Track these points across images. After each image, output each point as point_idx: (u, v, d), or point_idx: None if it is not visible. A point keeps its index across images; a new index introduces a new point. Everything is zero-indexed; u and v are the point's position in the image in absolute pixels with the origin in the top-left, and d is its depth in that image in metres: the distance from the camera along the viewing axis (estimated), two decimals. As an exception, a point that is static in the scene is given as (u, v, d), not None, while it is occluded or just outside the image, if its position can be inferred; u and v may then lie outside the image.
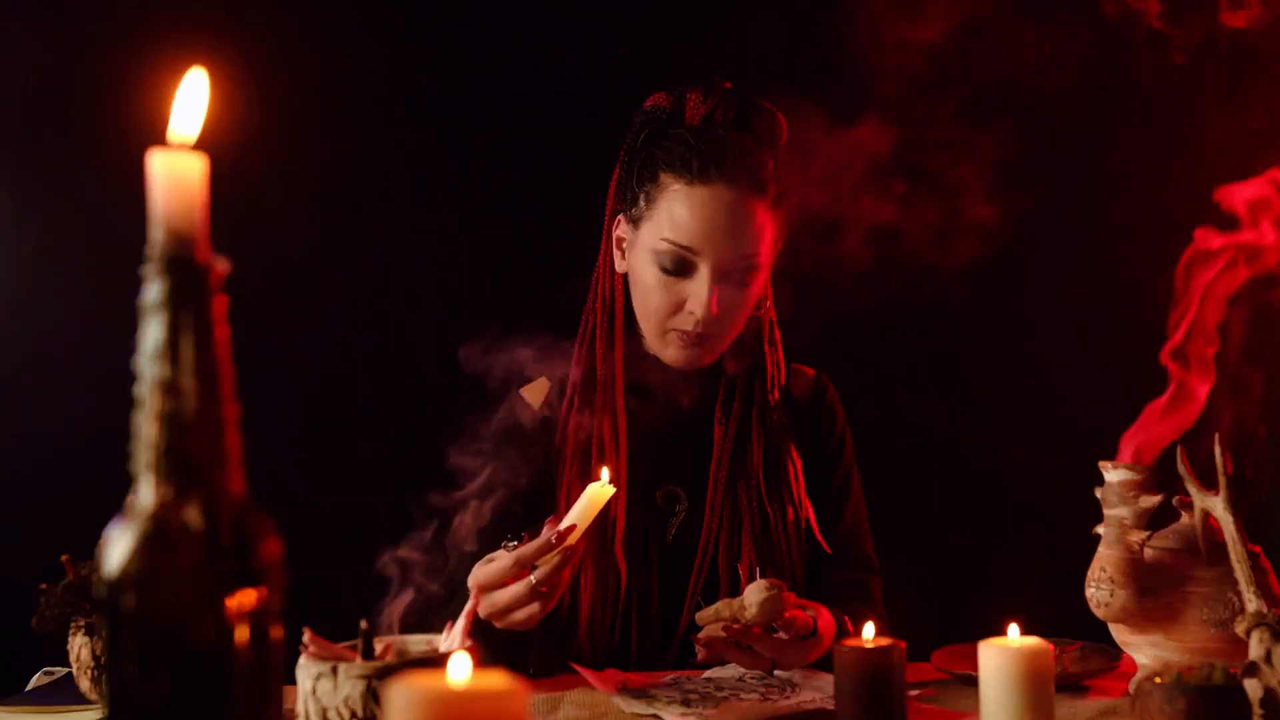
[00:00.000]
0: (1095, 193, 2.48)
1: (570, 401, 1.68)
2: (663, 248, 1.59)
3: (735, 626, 1.43)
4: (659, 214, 1.60)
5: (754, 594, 1.41)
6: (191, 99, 0.71)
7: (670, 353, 1.66)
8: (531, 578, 1.40)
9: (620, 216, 1.68)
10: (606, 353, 1.68)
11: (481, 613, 1.42)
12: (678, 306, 1.61)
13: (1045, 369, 2.49)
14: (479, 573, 1.42)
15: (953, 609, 1.87)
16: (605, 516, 1.58)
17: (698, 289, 1.59)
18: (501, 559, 1.41)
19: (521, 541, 1.43)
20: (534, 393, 1.74)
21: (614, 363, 1.67)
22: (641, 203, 1.63)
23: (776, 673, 1.49)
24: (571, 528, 1.41)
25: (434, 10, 2.52)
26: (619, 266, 1.69)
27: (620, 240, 1.69)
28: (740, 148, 1.58)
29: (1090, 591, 1.36)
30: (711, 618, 1.44)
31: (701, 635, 1.47)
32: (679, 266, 1.59)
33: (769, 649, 1.45)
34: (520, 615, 1.41)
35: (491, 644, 1.45)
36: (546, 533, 1.41)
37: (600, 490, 1.44)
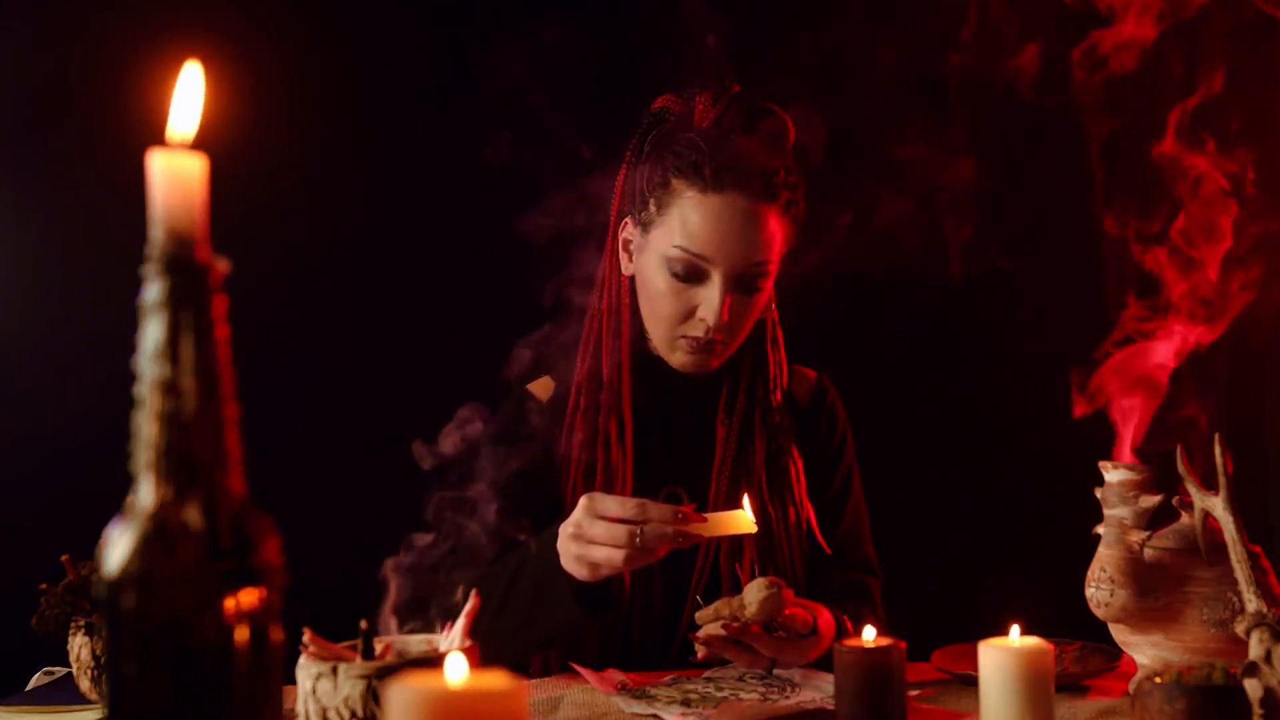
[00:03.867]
0: (1095, 195, 2.48)
1: (576, 402, 1.68)
2: (675, 255, 1.58)
3: (735, 625, 1.42)
4: (670, 220, 1.59)
5: (754, 592, 1.41)
6: (189, 95, 0.71)
7: (679, 358, 1.65)
8: (639, 529, 1.36)
9: (627, 219, 1.67)
10: (613, 354, 1.67)
11: (570, 531, 1.40)
12: (689, 313, 1.61)
13: (1046, 369, 2.49)
14: (598, 495, 1.39)
15: (953, 609, 1.87)
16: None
17: (710, 296, 1.58)
18: (628, 499, 1.38)
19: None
20: (541, 389, 1.74)
21: (620, 364, 1.67)
22: (651, 207, 1.61)
23: (776, 672, 1.49)
24: (703, 519, 1.39)
25: (434, 6, 2.52)
26: (625, 269, 1.69)
27: (627, 243, 1.68)
28: (752, 154, 1.57)
29: (1090, 591, 1.36)
30: (711, 616, 1.44)
31: (701, 634, 1.47)
32: (691, 273, 1.59)
33: (768, 647, 1.45)
34: (600, 554, 1.37)
35: (515, 619, 1.45)
36: (679, 508, 1.39)
37: (742, 517, 1.42)
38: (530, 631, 1.49)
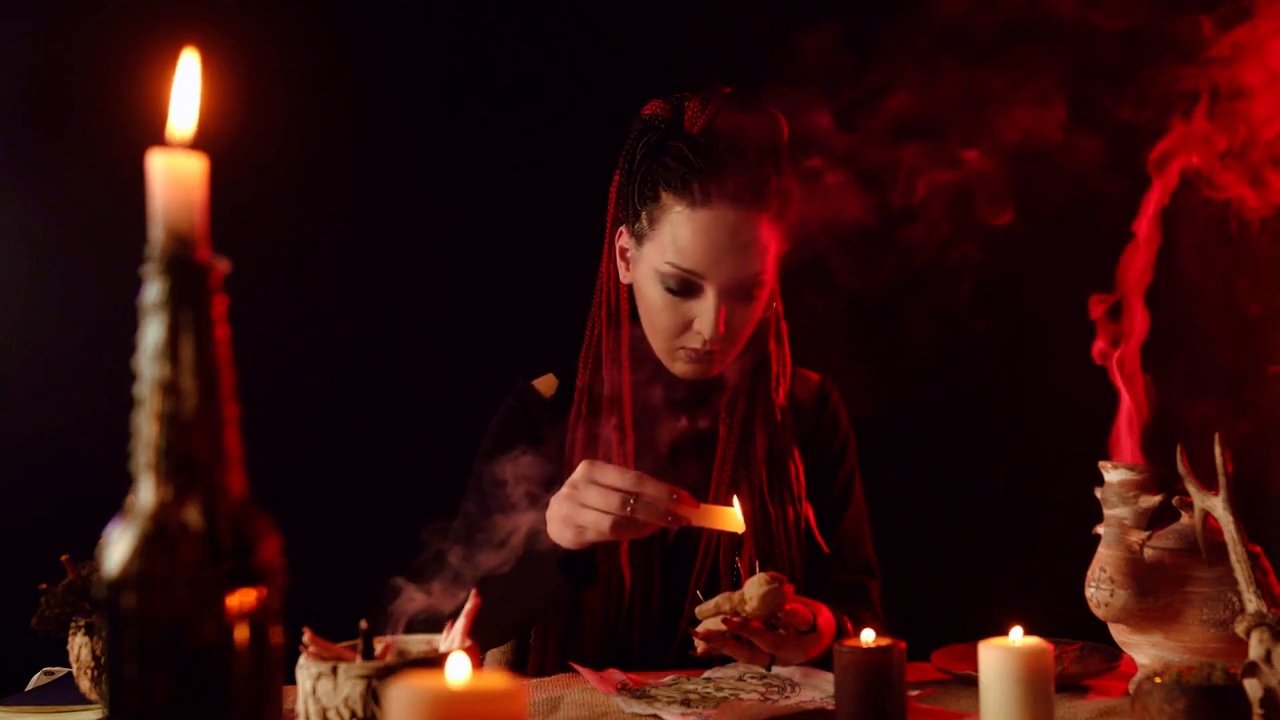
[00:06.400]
0: (1094, 198, 2.48)
1: (579, 407, 1.68)
2: (667, 270, 1.57)
3: (735, 619, 1.42)
4: (662, 235, 1.57)
5: (754, 587, 1.40)
6: (187, 84, 0.71)
7: (679, 367, 1.65)
8: (632, 499, 1.38)
9: (622, 228, 1.66)
10: (613, 360, 1.67)
11: (564, 493, 1.41)
12: (685, 326, 1.60)
13: (1045, 369, 2.49)
14: (599, 462, 1.41)
15: (953, 609, 1.87)
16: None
17: (704, 310, 1.57)
18: (627, 470, 1.40)
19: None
20: (545, 386, 1.74)
21: (620, 370, 1.66)
22: (643, 220, 1.60)
23: (776, 670, 1.49)
24: (695, 507, 1.41)
25: (435, 8, 2.52)
26: (623, 277, 1.68)
27: (624, 251, 1.67)
28: (741, 161, 1.54)
29: (1090, 591, 1.36)
30: (711, 611, 1.44)
31: (701, 629, 1.46)
32: (684, 288, 1.57)
33: (768, 643, 1.44)
34: (589, 518, 1.39)
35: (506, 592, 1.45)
36: (675, 489, 1.40)
37: (732, 515, 1.44)
38: (513, 601, 1.49)
